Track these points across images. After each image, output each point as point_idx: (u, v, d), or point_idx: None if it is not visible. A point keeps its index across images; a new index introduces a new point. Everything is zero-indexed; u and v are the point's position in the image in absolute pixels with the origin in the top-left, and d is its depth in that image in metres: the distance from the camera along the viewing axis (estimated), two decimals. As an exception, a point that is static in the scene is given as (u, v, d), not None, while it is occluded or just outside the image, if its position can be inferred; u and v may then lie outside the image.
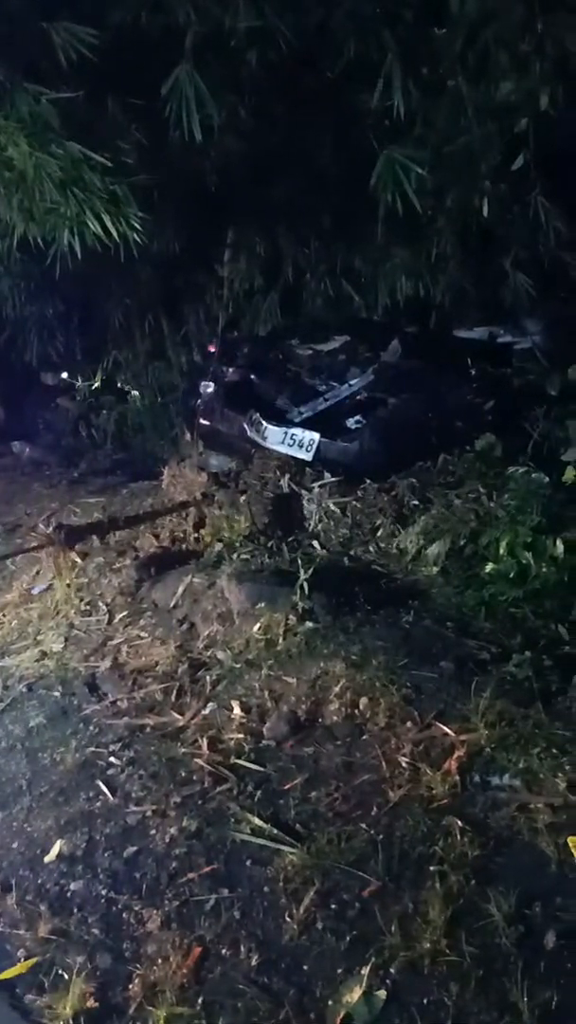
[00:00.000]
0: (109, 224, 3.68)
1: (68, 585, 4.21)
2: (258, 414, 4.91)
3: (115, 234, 3.71)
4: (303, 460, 4.69)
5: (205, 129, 3.78)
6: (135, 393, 6.48)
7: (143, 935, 2.34)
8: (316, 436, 4.64)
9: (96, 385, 6.70)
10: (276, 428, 4.78)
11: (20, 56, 3.45)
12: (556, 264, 4.73)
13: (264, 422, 4.83)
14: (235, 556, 4.09)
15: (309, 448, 4.65)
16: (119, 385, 6.65)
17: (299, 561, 3.78)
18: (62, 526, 4.70)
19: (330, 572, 3.87)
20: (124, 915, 2.40)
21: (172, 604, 3.91)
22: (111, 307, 6.00)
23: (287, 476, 4.69)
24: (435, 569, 3.89)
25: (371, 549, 4.22)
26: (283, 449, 4.74)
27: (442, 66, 4.01)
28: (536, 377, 4.72)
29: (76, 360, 6.57)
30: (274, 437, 4.78)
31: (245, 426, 4.96)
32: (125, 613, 3.97)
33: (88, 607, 4.08)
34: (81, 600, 4.14)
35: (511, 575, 3.58)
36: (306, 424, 4.77)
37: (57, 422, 6.98)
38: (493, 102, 3.95)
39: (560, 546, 3.49)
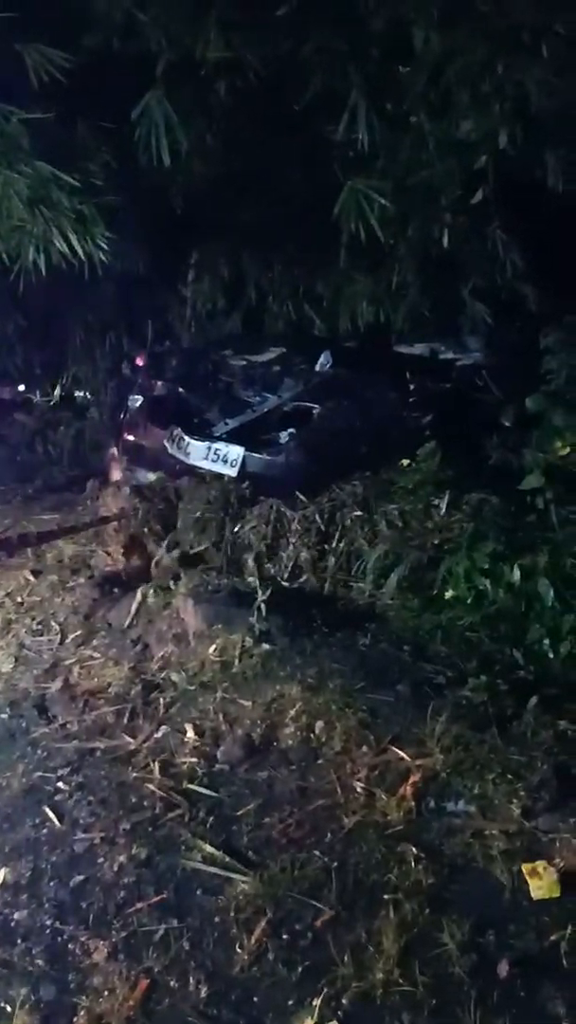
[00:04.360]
0: (75, 243, 3.67)
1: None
2: (179, 429, 4.67)
3: (81, 253, 3.70)
4: (228, 476, 4.43)
5: (173, 153, 3.82)
6: (93, 409, 6.41)
7: (89, 966, 2.28)
8: (241, 451, 4.41)
9: (54, 400, 6.62)
10: (199, 443, 4.55)
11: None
12: (513, 295, 4.84)
13: (186, 437, 4.60)
14: (192, 576, 4.04)
15: (234, 464, 4.41)
16: (77, 401, 6.59)
17: (257, 583, 3.75)
18: None
19: (287, 594, 3.86)
20: (70, 946, 2.34)
21: (126, 624, 3.86)
22: (72, 323, 5.95)
23: (218, 503, 4.34)
24: (392, 593, 3.90)
25: (326, 575, 4.12)
26: (207, 465, 4.50)
27: (406, 102, 4.10)
28: (487, 405, 4.77)
29: (35, 374, 6.49)
30: (197, 453, 4.54)
31: (166, 443, 4.73)
32: (78, 633, 3.91)
33: (40, 626, 4.00)
34: (33, 619, 4.06)
35: (468, 600, 3.61)
36: (231, 438, 4.54)
37: (13, 437, 6.87)
38: (454, 138, 4.04)
39: (517, 573, 3.53)
